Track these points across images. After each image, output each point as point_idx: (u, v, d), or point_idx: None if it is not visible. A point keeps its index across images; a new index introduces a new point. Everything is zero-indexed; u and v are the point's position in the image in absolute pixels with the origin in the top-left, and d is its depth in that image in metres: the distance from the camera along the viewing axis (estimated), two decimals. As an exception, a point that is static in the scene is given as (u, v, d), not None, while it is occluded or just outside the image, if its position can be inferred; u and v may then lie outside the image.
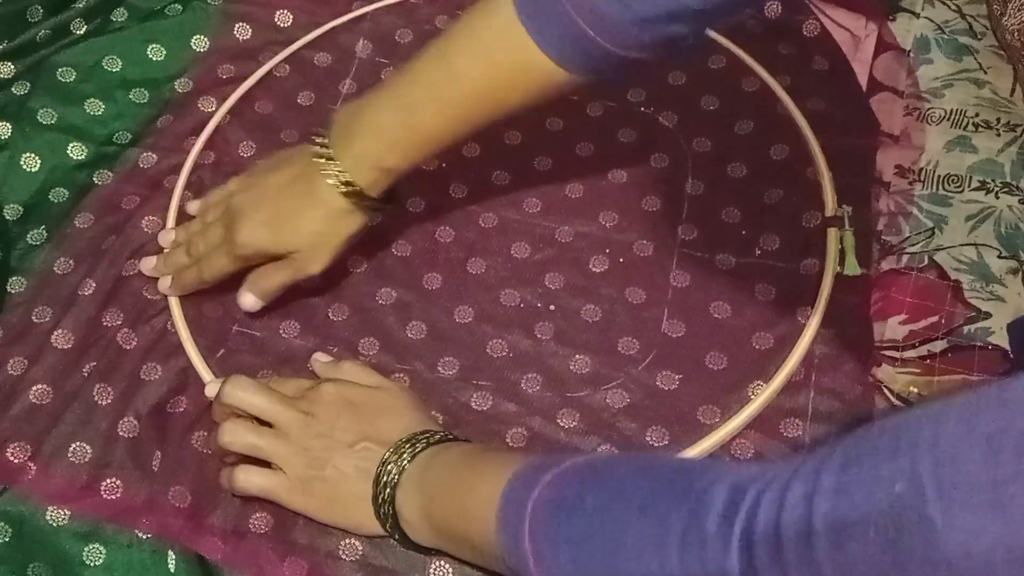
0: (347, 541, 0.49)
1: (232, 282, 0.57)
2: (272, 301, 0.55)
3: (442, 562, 0.49)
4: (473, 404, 0.53)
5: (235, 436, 0.49)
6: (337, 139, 0.51)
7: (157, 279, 0.57)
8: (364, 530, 0.49)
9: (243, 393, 0.49)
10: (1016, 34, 0.59)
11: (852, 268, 0.55)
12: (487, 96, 0.50)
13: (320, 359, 0.54)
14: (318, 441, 0.48)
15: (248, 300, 0.54)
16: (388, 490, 0.46)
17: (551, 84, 0.48)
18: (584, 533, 0.38)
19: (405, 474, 0.46)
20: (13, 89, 0.63)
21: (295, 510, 0.49)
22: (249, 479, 0.49)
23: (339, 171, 0.51)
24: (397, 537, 0.47)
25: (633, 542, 0.36)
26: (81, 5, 0.67)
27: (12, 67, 0.64)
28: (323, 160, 0.51)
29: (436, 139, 0.51)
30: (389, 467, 0.46)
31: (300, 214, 0.52)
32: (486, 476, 0.43)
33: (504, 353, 0.55)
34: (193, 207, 0.59)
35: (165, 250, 0.58)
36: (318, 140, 0.52)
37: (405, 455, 0.47)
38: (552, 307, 0.56)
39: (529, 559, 0.39)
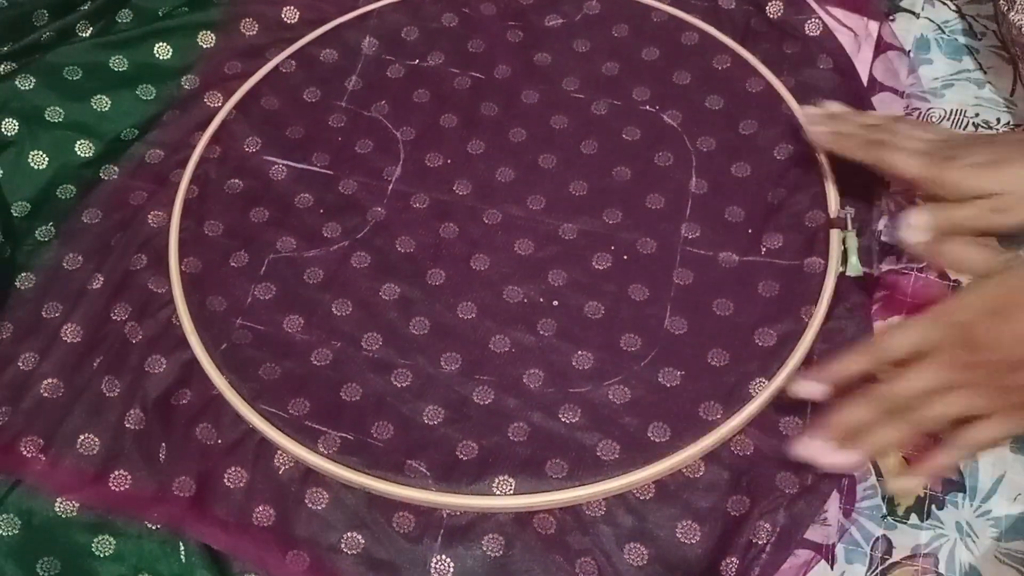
0: (349, 535, 0.50)
1: (237, 276, 0.58)
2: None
3: (443, 556, 0.49)
4: (475, 399, 0.54)
5: (941, 407, 0.46)
6: None
7: (160, 273, 0.57)
8: None
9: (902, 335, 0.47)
10: (1023, 30, 0.59)
11: (855, 269, 0.55)
12: None
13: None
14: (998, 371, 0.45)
15: (920, 222, 0.52)
16: None
17: None
18: None
19: None
20: (19, 86, 0.64)
21: None
22: (984, 434, 0.46)
23: None
24: None
25: None
26: (86, 7, 0.67)
27: (17, 66, 0.65)
28: None
29: None
30: None
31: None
32: None
33: (506, 349, 0.55)
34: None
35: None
36: None
37: None
38: (555, 303, 0.56)
39: None
